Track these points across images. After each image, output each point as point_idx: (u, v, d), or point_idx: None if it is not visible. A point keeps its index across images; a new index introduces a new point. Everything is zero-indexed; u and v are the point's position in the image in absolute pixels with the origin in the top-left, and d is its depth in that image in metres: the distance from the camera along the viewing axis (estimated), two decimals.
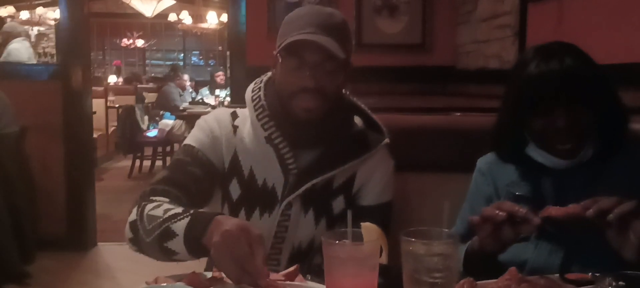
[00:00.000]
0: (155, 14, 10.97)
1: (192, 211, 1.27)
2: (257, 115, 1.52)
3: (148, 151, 7.59)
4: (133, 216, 1.36)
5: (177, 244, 1.25)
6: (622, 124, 1.39)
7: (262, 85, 1.58)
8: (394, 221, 1.57)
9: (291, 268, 1.15)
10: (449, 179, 1.72)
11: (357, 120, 1.61)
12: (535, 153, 1.43)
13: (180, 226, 1.25)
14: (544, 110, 1.36)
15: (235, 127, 1.55)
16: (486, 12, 3.23)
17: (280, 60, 1.48)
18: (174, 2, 10.87)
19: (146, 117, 7.95)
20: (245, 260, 1.08)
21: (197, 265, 1.41)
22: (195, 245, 1.22)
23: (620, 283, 0.83)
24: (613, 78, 1.41)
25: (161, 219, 1.28)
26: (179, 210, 1.29)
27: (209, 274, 1.19)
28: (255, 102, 1.54)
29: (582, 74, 1.34)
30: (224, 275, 1.14)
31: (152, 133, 7.49)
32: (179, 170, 1.48)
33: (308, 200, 1.52)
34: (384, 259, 1.05)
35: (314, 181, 1.49)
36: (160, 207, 1.32)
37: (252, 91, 1.57)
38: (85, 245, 4.52)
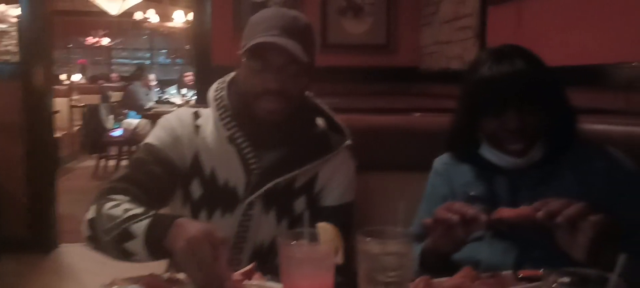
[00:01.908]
0: (120, 12, 10.82)
1: (153, 212, 1.27)
2: (219, 115, 1.52)
3: (113, 151, 7.50)
4: (91, 214, 1.35)
5: (136, 245, 1.24)
6: (570, 125, 1.43)
7: (225, 85, 1.58)
8: (357, 221, 1.58)
9: (248, 267, 1.15)
10: (411, 178, 1.74)
11: (320, 121, 1.62)
12: (488, 153, 1.45)
13: (140, 227, 1.24)
14: (496, 112, 1.38)
15: (197, 127, 1.55)
16: (448, 14, 3.28)
17: (244, 61, 1.48)
18: (140, 0, 10.74)
19: (111, 117, 7.85)
20: (210, 265, 1.08)
21: (157, 266, 1.41)
22: (156, 248, 1.21)
23: (565, 279, 0.86)
24: (564, 79, 1.45)
25: (120, 219, 1.27)
26: (139, 210, 1.28)
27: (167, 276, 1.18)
28: (217, 102, 1.54)
29: (532, 76, 1.37)
30: (180, 276, 1.14)
31: (117, 132, 7.39)
32: (139, 169, 1.47)
33: (270, 200, 1.53)
34: (340, 259, 1.07)
35: (276, 181, 1.50)
36: (120, 207, 1.31)
37: (215, 91, 1.58)
38: (47, 246, 4.44)
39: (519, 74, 1.36)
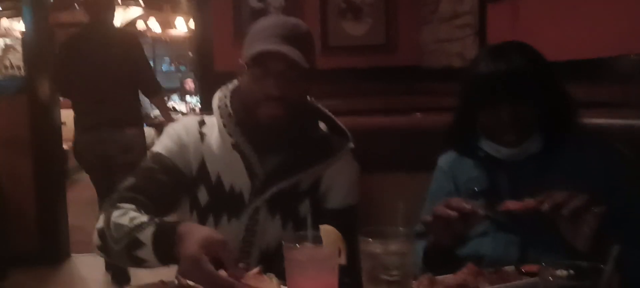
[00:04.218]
0: (123, 23, 10.87)
1: (156, 220, 1.31)
2: (223, 123, 1.55)
3: None
4: (100, 223, 1.39)
5: (146, 253, 1.29)
6: (568, 118, 1.46)
7: (228, 92, 1.61)
8: (362, 222, 1.60)
9: (255, 270, 1.18)
10: (413, 179, 1.77)
11: (322, 125, 1.65)
12: (485, 145, 1.49)
13: (146, 235, 1.28)
14: (491, 106, 1.43)
15: (202, 135, 1.58)
16: (447, 12, 3.29)
17: (245, 70, 1.51)
18: (141, 10, 10.78)
19: None
20: (213, 277, 1.13)
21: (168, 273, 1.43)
22: (166, 255, 1.26)
23: (561, 272, 0.88)
24: (562, 74, 1.47)
25: (128, 228, 1.32)
26: (144, 218, 1.33)
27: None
28: (221, 110, 1.57)
29: (527, 72, 1.41)
30: (191, 283, 1.17)
31: None
32: (146, 178, 1.51)
33: (275, 204, 1.55)
34: (343, 260, 1.09)
35: (280, 186, 1.52)
36: (126, 215, 1.35)
37: (219, 99, 1.60)
38: (58, 258, 4.48)
39: (513, 71, 1.40)
